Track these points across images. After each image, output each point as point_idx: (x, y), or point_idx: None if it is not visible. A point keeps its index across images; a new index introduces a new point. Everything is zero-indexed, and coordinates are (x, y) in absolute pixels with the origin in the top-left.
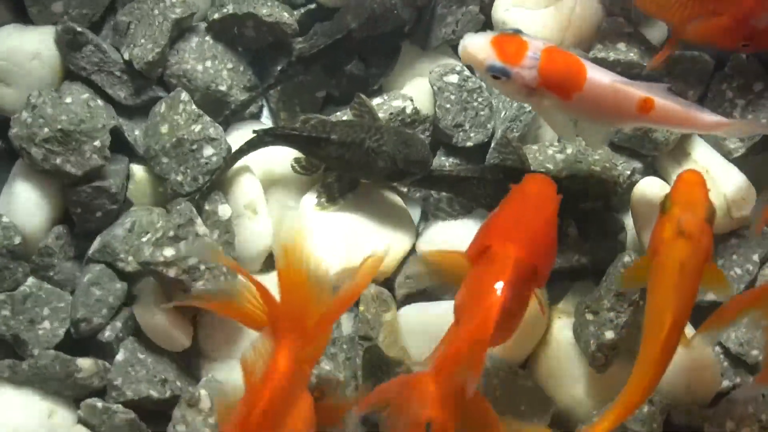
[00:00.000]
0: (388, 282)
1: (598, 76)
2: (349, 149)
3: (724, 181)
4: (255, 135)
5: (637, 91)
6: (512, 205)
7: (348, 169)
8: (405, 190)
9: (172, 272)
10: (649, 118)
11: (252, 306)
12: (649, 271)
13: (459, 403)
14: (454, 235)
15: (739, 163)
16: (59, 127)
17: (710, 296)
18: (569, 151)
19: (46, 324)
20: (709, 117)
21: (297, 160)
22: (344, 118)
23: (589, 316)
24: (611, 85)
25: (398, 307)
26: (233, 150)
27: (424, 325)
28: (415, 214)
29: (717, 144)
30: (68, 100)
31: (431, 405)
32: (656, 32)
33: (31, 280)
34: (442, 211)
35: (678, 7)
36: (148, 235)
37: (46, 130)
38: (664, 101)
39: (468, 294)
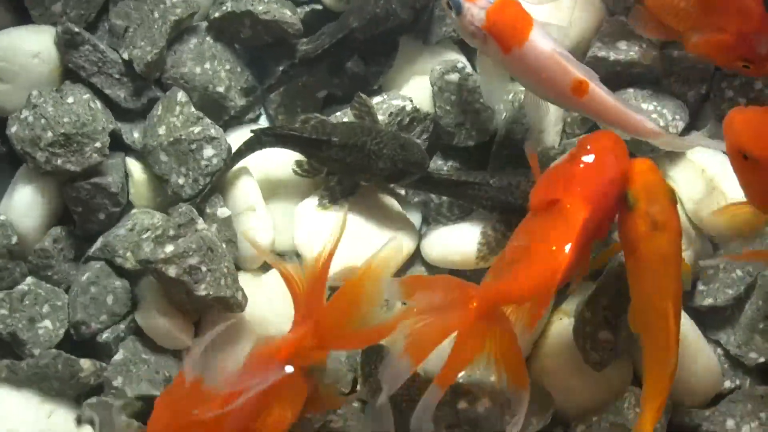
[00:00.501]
0: None
1: (540, 41)
2: (350, 152)
3: (722, 180)
4: (252, 134)
5: (575, 70)
6: (584, 160)
7: (348, 172)
8: (403, 193)
9: (172, 271)
10: (582, 103)
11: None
12: (632, 269)
13: (490, 336)
14: (455, 238)
15: None
16: (62, 131)
17: (709, 300)
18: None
19: (47, 323)
20: (644, 123)
21: (298, 163)
22: (345, 119)
23: (587, 315)
24: (550, 54)
25: None
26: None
27: None
28: (416, 219)
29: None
30: (70, 99)
31: (466, 320)
32: None
33: (29, 278)
34: (443, 216)
35: (685, 15)
36: (148, 233)
37: (50, 134)
38: (598, 89)
39: (530, 241)
